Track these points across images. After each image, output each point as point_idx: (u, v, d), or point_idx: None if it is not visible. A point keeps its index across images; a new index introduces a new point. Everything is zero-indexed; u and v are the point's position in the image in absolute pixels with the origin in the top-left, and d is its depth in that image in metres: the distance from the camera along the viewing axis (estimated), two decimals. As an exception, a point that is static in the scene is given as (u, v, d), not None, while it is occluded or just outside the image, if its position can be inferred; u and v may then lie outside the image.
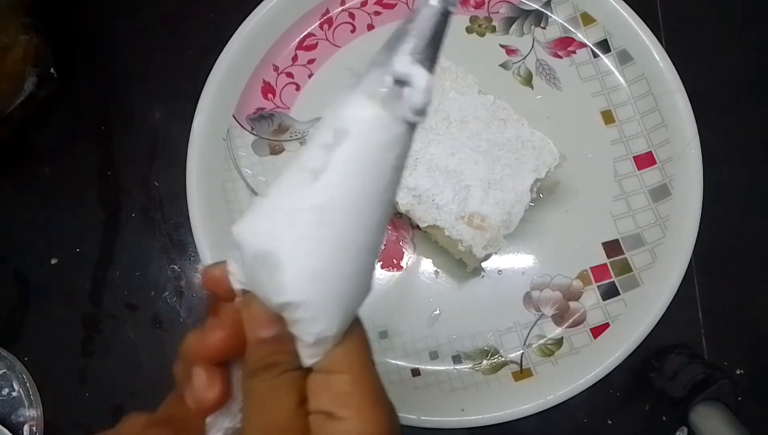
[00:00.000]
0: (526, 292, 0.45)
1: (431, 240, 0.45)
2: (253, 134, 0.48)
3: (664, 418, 0.45)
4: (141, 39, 0.51)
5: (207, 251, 0.44)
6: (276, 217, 0.19)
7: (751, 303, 0.47)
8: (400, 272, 0.46)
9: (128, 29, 0.51)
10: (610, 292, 0.45)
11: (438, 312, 0.45)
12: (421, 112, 0.19)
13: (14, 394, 0.45)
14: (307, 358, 0.20)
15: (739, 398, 0.42)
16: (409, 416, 0.42)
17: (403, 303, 0.45)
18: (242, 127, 0.48)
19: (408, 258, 0.46)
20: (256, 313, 0.20)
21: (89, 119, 0.50)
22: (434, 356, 0.44)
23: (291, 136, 0.48)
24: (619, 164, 0.47)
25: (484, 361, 0.44)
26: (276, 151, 0.48)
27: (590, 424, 0.45)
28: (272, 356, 0.21)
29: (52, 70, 0.47)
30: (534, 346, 0.45)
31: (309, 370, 0.21)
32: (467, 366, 0.44)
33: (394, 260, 0.46)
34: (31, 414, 0.45)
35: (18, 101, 0.46)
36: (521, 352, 0.44)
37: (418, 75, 0.18)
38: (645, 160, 0.47)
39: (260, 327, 0.20)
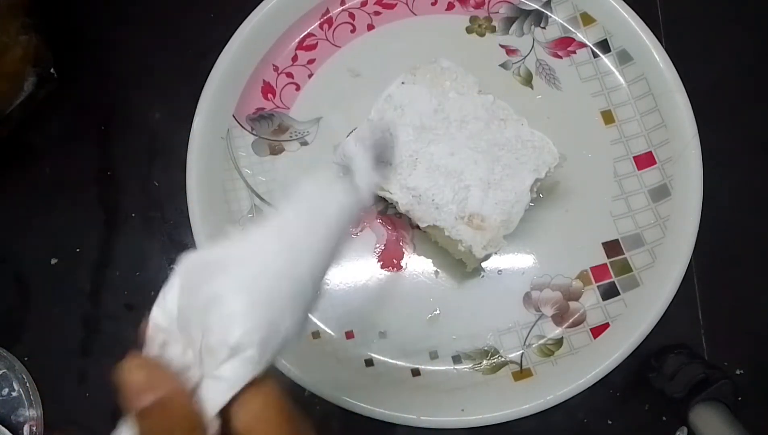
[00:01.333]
0: (526, 292, 0.45)
1: (431, 240, 0.45)
2: (253, 134, 0.48)
3: (664, 418, 0.45)
4: (141, 39, 0.51)
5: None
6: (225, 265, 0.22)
7: (751, 303, 0.47)
8: (399, 272, 0.46)
9: (128, 29, 0.51)
10: (610, 292, 0.45)
11: (438, 312, 0.45)
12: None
13: (14, 394, 0.45)
14: (220, 394, 0.21)
15: (739, 398, 0.42)
16: (408, 416, 0.42)
17: (403, 303, 0.45)
18: (242, 127, 0.48)
19: (408, 258, 0.46)
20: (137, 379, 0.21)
21: (89, 119, 0.50)
22: (434, 356, 0.44)
23: (291, 136, 0.48)
24: (619, 164, 0.47)
25: (484, 361, 0.44)
26: (276, 151, 0.48)
27: (590, 424, 0.45)
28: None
29: (52, 70, 0.47)
30: (534, 346, 0.45)
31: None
32: (467, 366, 0.44)
33: (394, 260, 0.46)
34: (31, 414, 0.45)
35: (18, 101, 0.45)
36: (521, 352, 0.44)
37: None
38: (645, 160, 0.47)
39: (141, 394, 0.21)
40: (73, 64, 0.50)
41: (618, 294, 0.45)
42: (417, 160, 0.41)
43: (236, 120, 0.48)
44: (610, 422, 0.45)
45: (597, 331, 0.44)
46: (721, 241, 0.47)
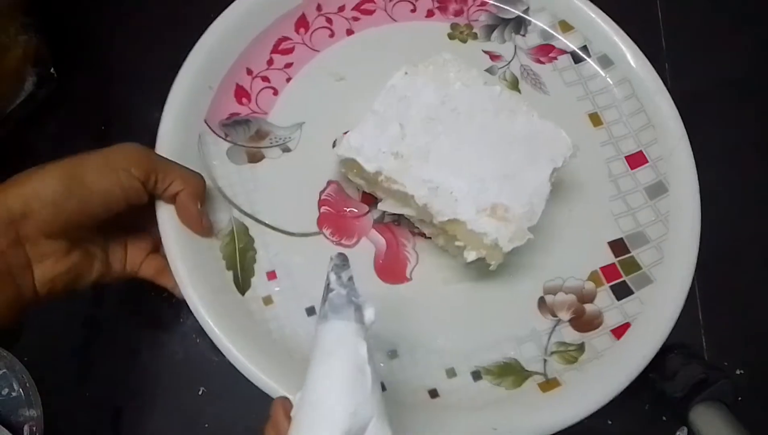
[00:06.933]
0: (539, 297, 0.43)
1: (437, 245, 0.43)
2: (228, 141, 0.45)
3: (664, 418, 0.45)
4: (141, 39, 0.51)
5: (180, 264, 0.39)
6: None
7: (751, 303, 0.47)
8: (403, 284, 0.42)
9: (128, 29, 0.51)
10: (623, 292, 0.43)
11: (449, 323, 0.42)
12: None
13: (14, 394, 0.45)
14: None
15: (739, 398, 0.42)
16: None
17: (411, 317, 0.42)
18: (215, 133, 0.44)
19: (411, 268, 0.43)
20: None
21: (89, 119, 0.50)
22: (451, 374, 0.40)
23: (271, 143, 0.45)
24: (612, 164, 0.47)
25: (506, 374, 0.41)
26: (255, 158, 0.45)
27: (590, 424, 0.45)
28: None
29: (52, 70, 0.47)
30: (555, 353, 0.42)
31: None
32: (488, 381, 0.40)
33: (397, 272, 0.43)
34: (31, 414, 0.44)
35: (18, 101, 0.46)
36: (543, 361, 0.41)
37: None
38: (636, 160, 0.46)
39: None
40: (73, 64, 0.50)
41: (632, 292, 0.43)
42: (429, 153, 0.39)
43: (208, 125, 0.44)
44: (610, 422, 0.45)
45: (618, 331, 0.42)
46: (721, 241, 0.47)
